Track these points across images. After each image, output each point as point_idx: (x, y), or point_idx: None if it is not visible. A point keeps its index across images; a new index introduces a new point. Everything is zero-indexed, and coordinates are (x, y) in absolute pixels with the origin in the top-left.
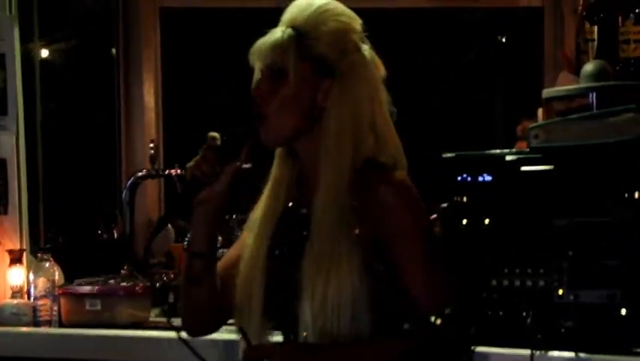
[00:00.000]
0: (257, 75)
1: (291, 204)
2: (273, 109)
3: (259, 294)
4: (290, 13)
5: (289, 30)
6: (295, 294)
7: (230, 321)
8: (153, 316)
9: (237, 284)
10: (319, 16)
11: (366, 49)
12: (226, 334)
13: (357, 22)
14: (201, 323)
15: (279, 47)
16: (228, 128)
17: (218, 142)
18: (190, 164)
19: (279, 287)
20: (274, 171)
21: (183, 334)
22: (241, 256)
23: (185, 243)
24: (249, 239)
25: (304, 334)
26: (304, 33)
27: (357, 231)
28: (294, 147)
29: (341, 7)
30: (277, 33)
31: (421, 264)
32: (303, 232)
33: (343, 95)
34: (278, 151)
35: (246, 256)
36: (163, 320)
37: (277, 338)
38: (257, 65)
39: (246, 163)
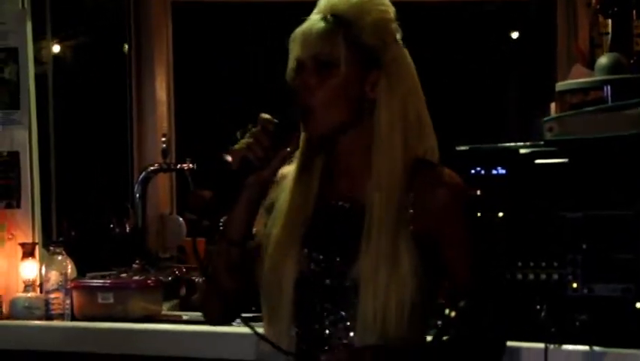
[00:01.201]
0: (293, 64)
1: (321, 196)
2: (320, 101)
3: (291, 286)
4: (328, 1)
5: (333, 19)
6: (348, 292)
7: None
8: (165, 309)
9: (265, 275)
10: (363, 5)
11: (399, 38)
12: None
13: (393, 12)
14: (227, 310)
15: (326, 36)
16: (276, 113)
17: (272, 126)
18: (239, 146)
19: (316, 282)
20: (302, 160)
21: (259, 330)
22: (262, 245)
23: (220, 227)
24: (274, 227)
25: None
26: (349, 22)
27: (411, 228)
28: (338, 140)
29: None
30: (320, 22)
31: (468, 253)
32: (345, 226)
33: (391, 87)
34: (306, 138)
35: (272, 246)
36: (175, 313)
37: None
38: (298, 54)
39: (294, 151)
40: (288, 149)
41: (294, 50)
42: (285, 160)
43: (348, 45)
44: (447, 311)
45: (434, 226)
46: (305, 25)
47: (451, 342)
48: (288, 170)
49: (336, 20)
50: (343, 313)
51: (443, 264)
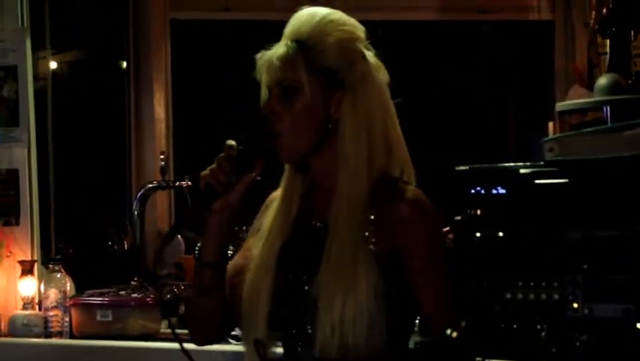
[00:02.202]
0: (265, 91)
1: (301, 216)
2: (287, 126)
3: (266, 304)
4: (292, 26)
5: (294, 44)
6: (309, 307)
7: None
8: (164, 327)
9: (244, 293)
10: (323, 28)
11: (371, 56)
12: (232, 345)
13: (360, 31)
14: (209, 332)
15: (288, 62)
16: (241, 137)
17: (234, 152)
18: (205, 172)
19: (289, 299)
20: (285, 182)
21: (188, 345)
22: (246, 265)
23: (196, 252)
24: (255, 248)
25: (319, 347)
26: (310, 46)
27: (373, 245)
28: (309, 161)
29: (344, 17)
30: (282, 48)
31: (434, 281)
32: (317, 245)
33: (356, 106)
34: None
35: (253, 266)
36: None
37: (279, 349)
38: (265, 81)
39: (259, 175)
40: (253, 174)
41: (259, 77)
42: (249, 184)
43: (310, 69)
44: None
45: (395, 243)
46: (269, 53)
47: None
48: (277, 194)
49: (297, 45)
50: (308, 328)
51: (410, 284)
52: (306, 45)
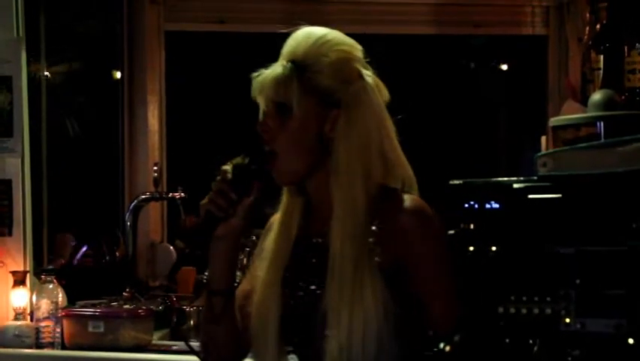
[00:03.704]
0: (262, 110)
1: (301, 234)
2: (281, 145)
3: (275, 323)
4: (289, 46)
5: (289, 65)
6: (317, 324)
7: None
8: (156, 339)
9: (252, 315)
10: (319, 48)
11: (369, 75)
12: None
13: (357, 50)
14: (228, 357)
15: (281, 82)
16: (237, 160)
17: (230, 175)
18: (204, 201)
19: (297, 317)
20: (285, 202)
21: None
22: (253, 289)
23: (204, 280)
24: (260, 270)
25: None
26: (306, 66)
27: (377, 258)
28: (306, 183)
29: (340, 36)
30: (278, 68)
31: (440, 286)
32: (318, 261)
33: (350, 125)
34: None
35: (259, 287)
36: (166, 343)
37: None
38: (260, 100)
39: (259, 197)
40: (251, 197)
41: (254, 96)
42: (252, 208)
43: (303, 89)
44: (441, 345)
45: (400, 254)
46: (265, 72)
47: None
48: (277, 217)
49: (292, 66)
50: (319, 348)
51: (415, 291)
52: (302, 65)
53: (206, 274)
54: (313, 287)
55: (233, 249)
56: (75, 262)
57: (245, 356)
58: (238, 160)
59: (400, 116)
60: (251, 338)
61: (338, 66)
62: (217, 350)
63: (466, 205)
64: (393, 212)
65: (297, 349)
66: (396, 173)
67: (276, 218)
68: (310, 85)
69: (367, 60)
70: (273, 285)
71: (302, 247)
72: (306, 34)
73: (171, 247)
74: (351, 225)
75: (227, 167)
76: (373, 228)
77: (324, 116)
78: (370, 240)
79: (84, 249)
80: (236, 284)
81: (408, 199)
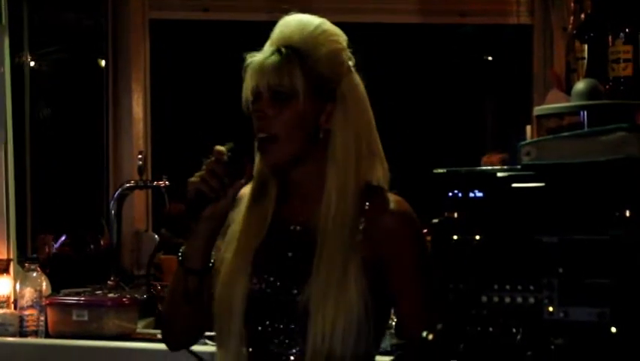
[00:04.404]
0: (249, 95)
1: (274, 219)
2: (279, 131)
3: (241, 309)
4: (281, 33)
5: (289, 51)
6: (291, 311)
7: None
8: (140, 327)
9: (216, 296)
10: (318, 37)
11: (353, 65)
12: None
13: (345, 41)
14: (188, 337)
15: (284, 68)
16: (228, 143)
17: (225, 157)
18: (193, 179)
19: (266, 303)
20: (256, 186)
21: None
22: (217, 266)
23: (179, 258)
24: (228, 252)
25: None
26: (305, 54)
27: (362, 254)
28: (291, 170)
29: (333, 27)
30: (276, 54)
31: (416, 284)
32: (295, 248)
33: (346, 118)
34: (261, 164)
35: (225, 268)
36: (150, 331)
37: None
38: (254, 84)
39: (249, 180)
40: (243, 180)
41: (250, 81)
42: (239, 190)
43: (306, 77)
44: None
45: (382, 252)
46: (260, 57)
47: None
48: (244, 192)
49: (292, 52)
50: (294, 334)
51: (392, 291)
52: (301, 53)
53: (181, 251)
54: (292, 278)
55: (216, 230)
56: (54, 250)
57: (200, 338)
58: (229, 145)
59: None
60: (213, 321)
61: (333, 57)
62: (179, 327)
63: (450, 194)
64: (380, 211)
65: (257, 335)
66: (377, 168)
67: (245, 192)
68: (311, 74)
69: (351, 50)
70: (241, 269)
71: (277, 233)
72: (301, 21)
73: (156, 236)
74: (341, 215)
75: (222, 148)
76: (362, 224)
77: (321, 106)
78: (359, 231)
79: (62, 238)
80: (210, 265)
81: (394, 200)
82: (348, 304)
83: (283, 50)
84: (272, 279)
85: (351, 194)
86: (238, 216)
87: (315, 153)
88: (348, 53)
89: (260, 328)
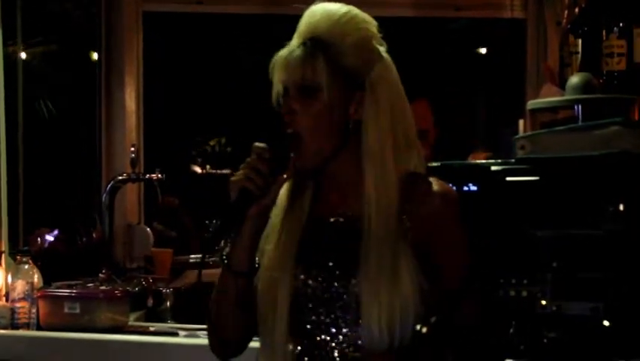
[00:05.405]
0: (278, 91)
1: (311, 214)
2: (306, 127)
3: (286, 305)
4: (307, 24)
5: (313, 43)
6: (345, 306)
7: None
8: (132, 320)
9: (259, 293)
10: (343, 27)
11: (384, 52)
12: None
13: (374, 27)
14: (241, 342)
15: (307, 61)
16: (269, 140)
17: (268, 154)
18: (236, 178)
19: (313, 298)
20: (295, 180)
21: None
22: (262, 266)
23: (223, 260)
24: (267, 246)
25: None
26: (330, 46)
27: (410, 239)
28: (328, 165)
29: (360, 14)
30: (301, 47)
31: (459, 260)
32: (337, 240)
33: (377, 106)
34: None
35: (267, 266)
36: (142, 324)
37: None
38: (281, 80)
39: (292, 176)
40: (285, 175)
41: (277, 76)
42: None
43: (330, 69)
44: (417, 327)
45: (430, 233)
46: (285, 51)
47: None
48: (281, 193)
49: (316, 44)
50: (345, 328)
51: (437, 268)
52: (326, 44)
53: (225, 255)
54: (336, 267)
55: (260, 228)
56: (46, 244)
57: (250, 340)
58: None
59: None
60: (258, 319)
61: (361, 46)
62: (232, 335)
63: None
64: (423, 195)
65: (304, 335)
66: (413, 154)
67: (281, 195)
68: (336, 65)
69: (381, 35)
70: (284, 264)
71: (317, 226)
72: (326, 11)
73: (148, 229)
74: (385, 205)
75: (262, 145)
76: (407, 210)
77: (349, 97)
78: (405, 220)
79: (55, 232)
80: (257, 265)
81: (436, 183)
82: (403, 292)
83: (308, 42)
84: (315, 272)
85: (392, 184)
86: (277, 211)
87: (348, 145)
88: (378, 39)
89: (306, 323)
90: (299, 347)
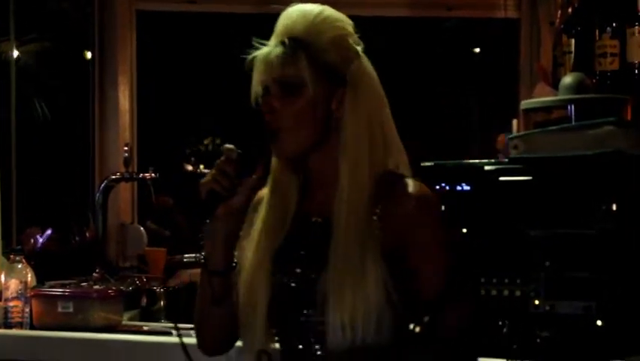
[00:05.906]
0: (257, 89)
1: (297, 213)
2: (288, 124)
3: (264, 303)
4: (284, 25)
5: (292, 41)
6: (312, 304)
7: None
8: (126, 319)
9: (240, 294)
10: (318, 26)
11: (361, 50)
12: None
13: (350, 25)
14: (222, 341)
15: (289, 59)
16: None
17: (235, 155)
18: (205, 180)
19: (289, 298)
20: (277, 179)
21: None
22: (241, 266)
23: (201, 260)
24: (248, 250)
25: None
26: (308, 43)
27: (380, 240)
28: (308, 158)
29: (335, 13)
30: (279, 45)
31: (433, 262)
32: (319, 241)
33: (357, 104)
34: (275, 163)
35: (247, 265)
36: (136, 323)
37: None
38: (261, 78)
39: (261, 175)
40: (254, 176)
41: (256, 75)
42: (254, 187)
43: (312, 65)
44: (411, 326)
45: (402, 236)
46: (264, 50)
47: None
48: (264, 192)
49: (295, 43)
50: (317, 326)
51: (412, 274)
52: (305, 43)
53: (202, 254)
54: (312, 268)
55: (233, 229)
56: (39, 245)
57: (237, 339)
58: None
59: None
60: (239, 319)
61: (338, 43)
62: (213, 332)
63: (437, 187)
64: (398, 196)
65: (287, 329)
66: (393, 154)
67: (263, 194)
68: (317, 61)
69: (358, 35)
70: (262, 264)
71: (299, 226)
72: (302, 11)
73: (142, 228)
74: (356, 202)
75: (231, 146)
76: (377, 210)
77: (331, 93)
78: (375, 220)
79: (48, 232)
80: (234, 265)
81: (412, 184)
82: (367, 291)
83: (286, 40)
84: (292, 271)
85: (365, 182)
86: (259, 215)
87: (329, 141)
88: (355, 38)
89: (284, 322)
90: (277, 346)
